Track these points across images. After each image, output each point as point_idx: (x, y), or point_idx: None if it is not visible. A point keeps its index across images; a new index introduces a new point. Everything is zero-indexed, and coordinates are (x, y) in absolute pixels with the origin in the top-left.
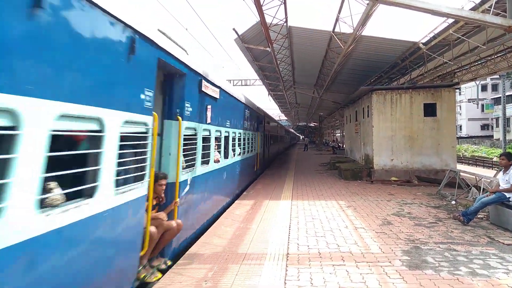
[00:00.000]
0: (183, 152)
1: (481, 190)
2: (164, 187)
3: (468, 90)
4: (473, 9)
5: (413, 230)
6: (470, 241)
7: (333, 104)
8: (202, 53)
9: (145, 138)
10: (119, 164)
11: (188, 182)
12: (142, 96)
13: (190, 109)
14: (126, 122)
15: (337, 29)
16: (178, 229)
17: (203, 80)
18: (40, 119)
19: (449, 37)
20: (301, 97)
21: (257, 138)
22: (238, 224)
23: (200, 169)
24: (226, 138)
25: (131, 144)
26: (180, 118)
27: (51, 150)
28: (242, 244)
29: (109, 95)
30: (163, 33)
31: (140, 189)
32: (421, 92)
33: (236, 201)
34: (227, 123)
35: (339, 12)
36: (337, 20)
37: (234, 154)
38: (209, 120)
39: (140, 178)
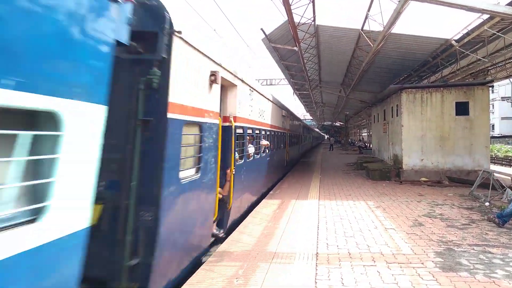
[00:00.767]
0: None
1: None
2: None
3: (502, 88)
4: (510, 4)
5: (446, 232)
6: (506, 243)
7: (360, 103)
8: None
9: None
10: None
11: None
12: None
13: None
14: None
15: (366, 27)
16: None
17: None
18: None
19: (483, 33)
20: (327, 96)
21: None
22: (266, 223)
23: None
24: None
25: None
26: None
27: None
28: (271, 242)
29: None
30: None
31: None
32: (453, 90)
33: (263, 200)
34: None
35: (369, 10)
36: (366, 17)
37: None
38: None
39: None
